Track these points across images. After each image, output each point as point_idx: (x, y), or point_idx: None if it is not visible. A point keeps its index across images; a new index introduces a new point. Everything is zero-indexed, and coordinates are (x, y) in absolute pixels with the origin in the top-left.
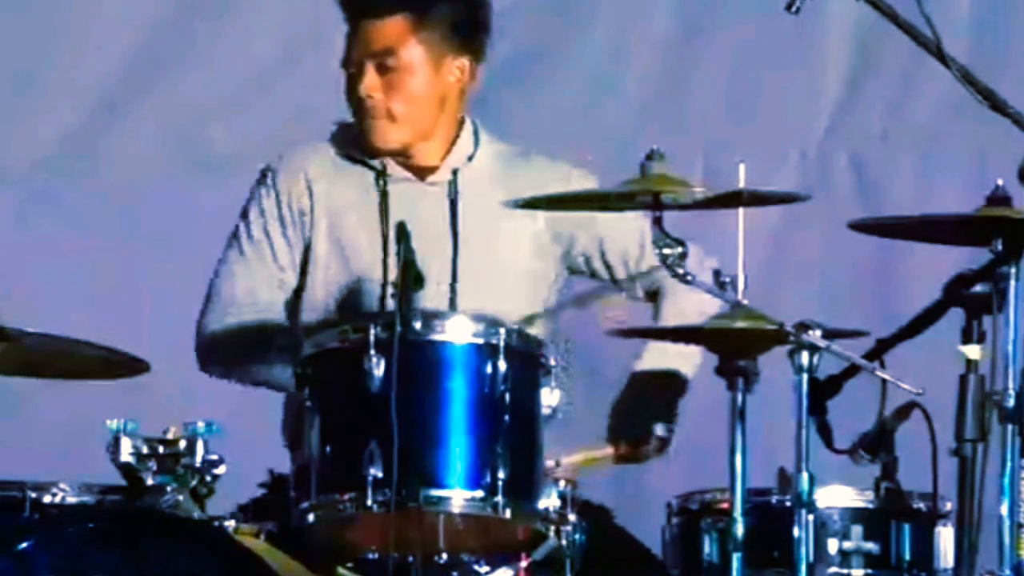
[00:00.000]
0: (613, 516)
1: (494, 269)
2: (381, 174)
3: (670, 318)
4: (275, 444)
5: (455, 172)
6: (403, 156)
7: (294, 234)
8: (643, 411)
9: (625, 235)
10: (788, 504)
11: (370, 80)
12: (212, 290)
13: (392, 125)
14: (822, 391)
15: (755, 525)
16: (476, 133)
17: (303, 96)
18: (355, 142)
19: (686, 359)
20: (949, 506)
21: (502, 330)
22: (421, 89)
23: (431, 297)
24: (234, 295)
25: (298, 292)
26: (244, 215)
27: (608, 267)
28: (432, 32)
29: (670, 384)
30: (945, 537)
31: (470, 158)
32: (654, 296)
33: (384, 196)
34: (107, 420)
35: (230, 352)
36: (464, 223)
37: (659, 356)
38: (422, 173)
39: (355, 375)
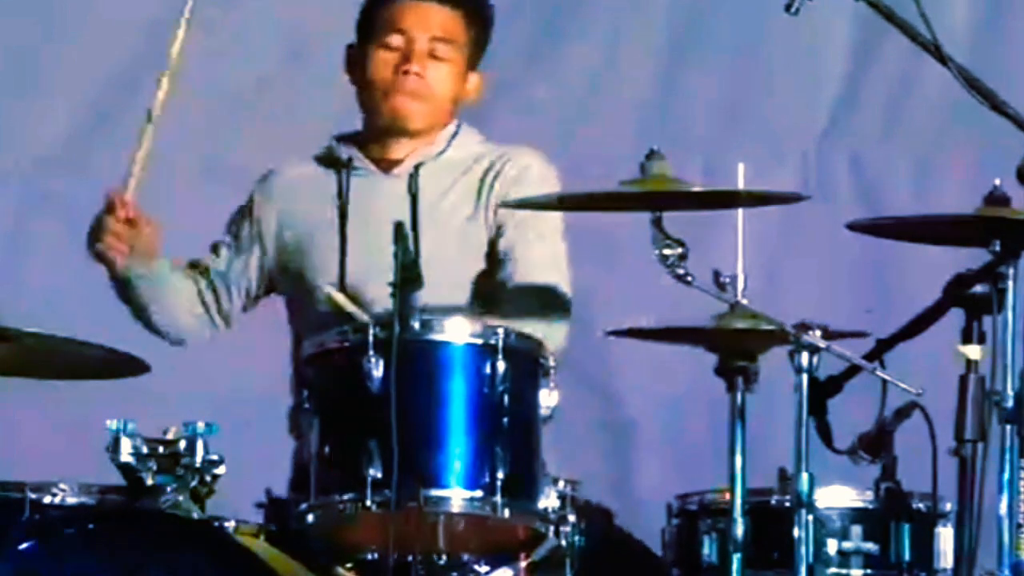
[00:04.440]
0: (614, 516)
1: (446, 259)
2: (346, 164)
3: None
4: (275, 444)
5: (417, 167)
6: (382, 145)
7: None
8: None
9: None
10: (788, 504)
11: (420, 58)
12: None
13: (420, 104)
14: (822, 391)
15: (755, 525)
16: (454, 136)
17: (303, 97)
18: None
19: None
20: (949, 506)
21: (500, 330)
22: (450, 86)
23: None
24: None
25: (294, 309)
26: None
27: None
28: (470, 38)
29: None
30: (945, 537)
31: (440, 154)
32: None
33: (342, 187)
34: (107, 420)
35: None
36: (422, 215)
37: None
38: (387, 166)
39: (354, 375)
